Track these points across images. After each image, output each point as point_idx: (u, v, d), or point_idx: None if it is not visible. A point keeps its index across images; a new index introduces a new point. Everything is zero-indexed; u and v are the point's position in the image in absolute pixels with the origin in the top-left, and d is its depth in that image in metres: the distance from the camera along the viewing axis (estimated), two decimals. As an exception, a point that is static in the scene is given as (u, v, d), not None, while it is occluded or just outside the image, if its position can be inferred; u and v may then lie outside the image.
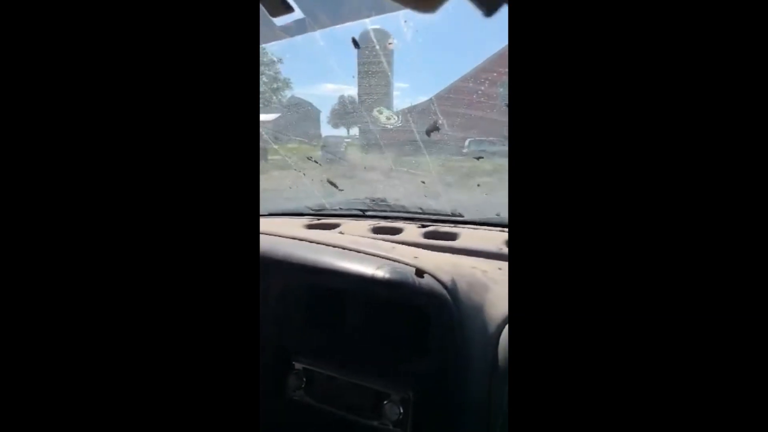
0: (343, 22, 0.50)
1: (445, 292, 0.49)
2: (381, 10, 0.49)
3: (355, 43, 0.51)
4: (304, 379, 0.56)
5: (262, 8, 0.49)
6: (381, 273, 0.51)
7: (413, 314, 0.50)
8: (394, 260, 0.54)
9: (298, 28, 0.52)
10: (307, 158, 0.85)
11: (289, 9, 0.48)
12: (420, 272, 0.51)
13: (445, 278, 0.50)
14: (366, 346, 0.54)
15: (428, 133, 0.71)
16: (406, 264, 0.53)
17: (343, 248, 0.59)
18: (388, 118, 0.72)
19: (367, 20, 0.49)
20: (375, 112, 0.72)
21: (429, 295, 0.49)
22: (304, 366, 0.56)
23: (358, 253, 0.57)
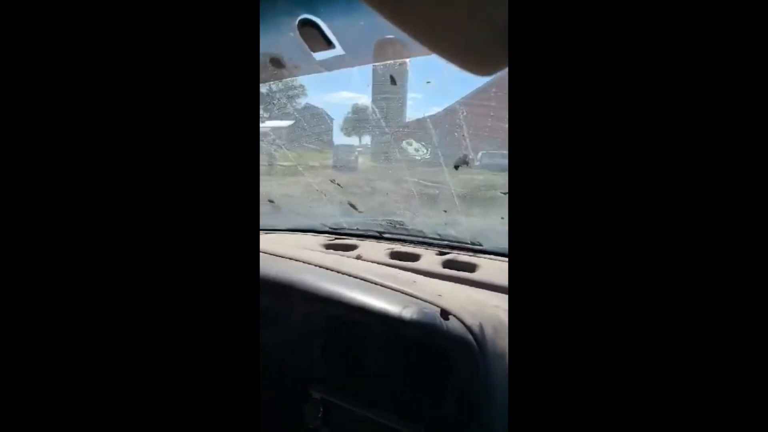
0: (383, 60, 0.49)
1: (470, 337, 0.49)
2: (420, 51, 0.48)
3: (393, 80, 0.51)
4: (321, 409, 0.55)
5: (301, 41, 0.49)
6: (408, 313, 0.51)
7: (435, 356, 0.50)
8: (419, 298, 0.54)
9: (337, 63, 0.51)
10: (330, 181, 0.84)
11: (330, 45, 0.48)
12: (445, 314, 0.50)
13: (471, 321, 0.50)
14: (385, 383, 0.54)
15: (456, 167, 0.71)
16: (431, 303, 0.52)
17: (367, 281, 0.58)
18: (417, 150, 0.72)
19: (407, 60, 0.49)
20: (404, 144, 0.72)
21: (454, 339, 0.49)
22: (321, 396, 0.56)
23: (382, 287, 0.57)
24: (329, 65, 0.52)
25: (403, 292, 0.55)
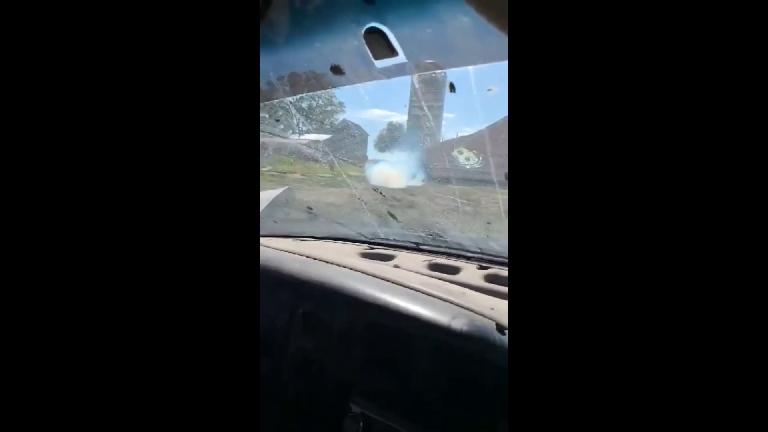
0: (447, 67, 0.50)
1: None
2: (488, 58, 0.48)
3: (452, 87, 0.51)
4: (361, 425, 0.53)
5: (365, 50, 0.50)
6: (459, 324, 0.48)
7: (489, 372, 0.47)
8: (471, 310, 0.51)
9: (398, 71, 0.53)
10: (373, 189, 0.85)
11: (393, 53, 0.49)
12: (501, 328, 0.48)
13: None
14: (432, 397, 0.51)
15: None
16: (484, 316, 0.50)
17: (413, 289, 0.57)
18: (468, 159, 0.72)
19: (470, 68, 0.49)
20: (455, 153, 0.72)
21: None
22: (362, 410, 0.53)
23: (430, 296, 0.55)
24: (389, 74, 0.53)
25: (453, 303, 0.53)
